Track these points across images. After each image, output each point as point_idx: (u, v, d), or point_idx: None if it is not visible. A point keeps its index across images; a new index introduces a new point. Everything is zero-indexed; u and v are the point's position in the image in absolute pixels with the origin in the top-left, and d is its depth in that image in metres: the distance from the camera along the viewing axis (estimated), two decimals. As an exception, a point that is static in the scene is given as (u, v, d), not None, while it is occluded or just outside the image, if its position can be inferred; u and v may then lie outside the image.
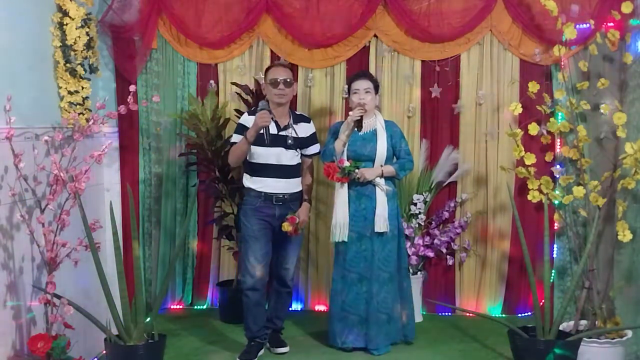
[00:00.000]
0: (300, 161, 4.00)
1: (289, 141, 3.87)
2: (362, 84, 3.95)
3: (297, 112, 4.18)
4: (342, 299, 3.97)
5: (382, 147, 3.93)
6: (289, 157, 3.90)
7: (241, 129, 3.88)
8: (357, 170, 3.88)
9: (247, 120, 3.88)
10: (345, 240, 3.92)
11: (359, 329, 3.95)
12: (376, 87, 4.01)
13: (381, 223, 3.89)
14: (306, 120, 4.08)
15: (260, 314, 3.93)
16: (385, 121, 4.05)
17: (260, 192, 3.88)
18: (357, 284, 3.94)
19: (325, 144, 4.11)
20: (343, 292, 3.97)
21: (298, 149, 3.95)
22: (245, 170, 4.01)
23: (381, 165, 3.92)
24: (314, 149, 4.08)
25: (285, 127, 3.90)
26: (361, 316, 3.93)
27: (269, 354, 4.01)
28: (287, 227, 3.81)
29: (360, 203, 3.95)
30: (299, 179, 3.99)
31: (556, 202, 4.28)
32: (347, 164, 3.88)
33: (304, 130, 4.00)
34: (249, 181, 3.94)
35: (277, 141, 3.87)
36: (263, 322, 3.95)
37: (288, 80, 3.89)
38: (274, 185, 3.86)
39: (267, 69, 4.03)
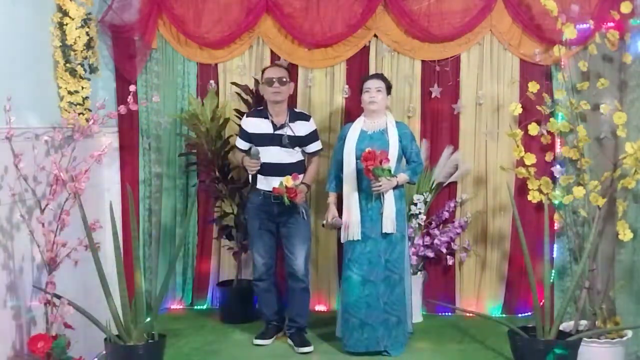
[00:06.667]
0: (302, 158, 4.09)
1: (284, 140, 3.95)
2: (373, 83, 3.98)
3: (296, 110, 4.24)
4: (346, 300, 3.95)
5: (394, 148, 3.89)
6: (287, 155, 3.99)
7: (241, 133, 4.12)
8: (390, 178, 3.77)
9: (247, 123, 4.09)
10: (359, 238, 3.88)
11: (359, 333, 3.88)
12: (388, 88, 4.04)
13: (388, 224, 3.85)
14: (305, 118, 4.12)
15: (271, 300, 4.18)
16: (396, 122, 4.03)
17: (260, 190, 4.00)
18: (358, 287, 3.88)
19: (333, 153, 4.18)
20: (346, 293, 3.94)
21: (297, 147, 4.01)
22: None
23: (395, 176, 3.84)
24: (314, 146, 4.13)
25: (282, 126, 3.99)
26: (362, 320, 3.86)
27: (293, 354, 4.00)
28: (288, 180, 3.79)
29: (367, 203, 3.91)
30: (301, 175, 4.03)
31: (556, 202, 4.28)
32: (388, 165, 3.73)
33: (302, 128, 4.04)
34: (257, 180, 4.03)
35: (274, 140, 3.98)
36: (274, 307, 4.19)
37: (283, 79, 3.99)
38: (275, 183, 3.89)
39: (263, 70, 4.15)
